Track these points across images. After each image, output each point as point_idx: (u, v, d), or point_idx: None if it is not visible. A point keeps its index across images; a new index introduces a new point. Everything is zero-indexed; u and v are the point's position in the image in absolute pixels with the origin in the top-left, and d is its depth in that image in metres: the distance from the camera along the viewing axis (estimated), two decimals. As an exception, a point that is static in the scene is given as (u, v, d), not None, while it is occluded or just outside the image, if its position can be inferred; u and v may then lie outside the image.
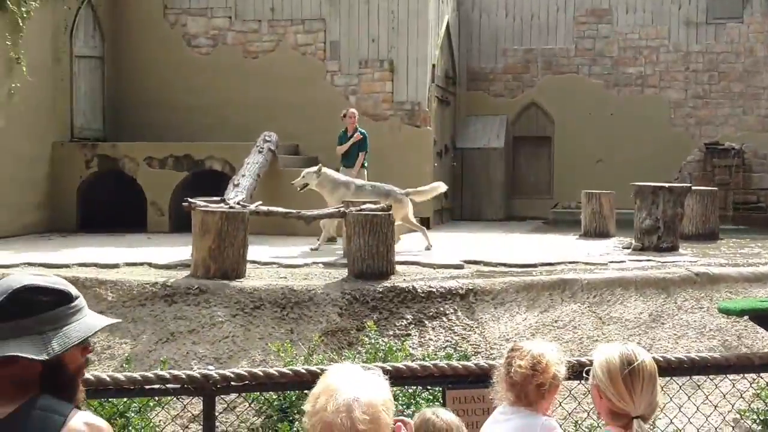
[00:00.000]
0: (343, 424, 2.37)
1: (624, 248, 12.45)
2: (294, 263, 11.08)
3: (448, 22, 16.94)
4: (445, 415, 3.42)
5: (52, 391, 2.32)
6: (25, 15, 13.77)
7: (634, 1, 17.78)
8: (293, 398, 7.24)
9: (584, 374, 3.13)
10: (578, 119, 17.70)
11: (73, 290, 2.38)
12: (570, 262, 11.07)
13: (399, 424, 2.91)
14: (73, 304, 2.36)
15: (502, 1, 18.13)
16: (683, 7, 17.66)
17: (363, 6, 15.75)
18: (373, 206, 10.95)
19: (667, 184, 12.75)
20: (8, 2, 13.46)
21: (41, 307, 2.32)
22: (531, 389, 3.43)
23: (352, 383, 2.48)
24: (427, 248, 12.25)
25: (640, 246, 12.09)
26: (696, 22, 17.63)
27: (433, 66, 16.02)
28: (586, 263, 11.03)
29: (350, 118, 13.50)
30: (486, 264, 11.09)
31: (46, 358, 2.27)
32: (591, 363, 3.14)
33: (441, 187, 13.03)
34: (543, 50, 17.97)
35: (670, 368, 4.91)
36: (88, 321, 2.41)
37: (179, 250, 11.45)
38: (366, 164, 13.72)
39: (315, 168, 12.50)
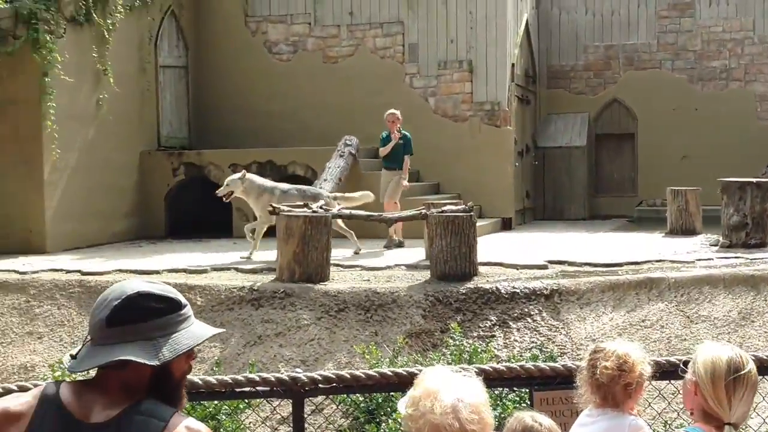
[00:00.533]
0: (451, 426, 2.40)
1: (711, 245, 12.17)
2: (377, 265, 11.11)
3: (527, 21, 16.81)
4: (545, 421, 3.36)
5: (158, 396, 2.36)
6: (110, 27, 14.07)
7: (717, -8, 17.42)
8: (380, 400, 7.27)
9: (681, 367, 3.07)
10: (662, 115, 17.38)
11: (182, 298, 2.42)
12: (656, 261, 10.87)
13: None
14: (182, 312, 2.39)
15: (582, -2, 17.94)
16: (769, -3, 17.23)
17: (441, 7, 15.72)
18: (454, 207, 10.93)
19: (754, 179, 12.43)
20: (95, 15, 13.77)
21: (153, 313, 2.36)
22: (618, 390, 3.39)
23: (452, 385, 2.50)
24: (356, 252, 11.99)
25: (727, 243, 11.81)
26: (783, 12, 17.19)
27: (513, 65, 15.90)
28: (673, 261, 10.80)
29: (390, 121, 13.09)
30: (570, 264, 10.96)
31: (158, 363, 2.30)
32: (681, 363, 3.08)
33: (369, 196, 12.49)
34: (624, 46, 17.69)
35: (762, 367, 4.80)
36: (195, 329, 2.44)
37: (265, 255, 11.58)
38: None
39: (238, 175, 12.10)
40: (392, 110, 13.13)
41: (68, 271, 11.12)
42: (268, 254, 11.27)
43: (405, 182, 13.06)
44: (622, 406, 3.41)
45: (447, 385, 2.51)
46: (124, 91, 14.47)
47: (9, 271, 11.22)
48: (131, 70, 14.84)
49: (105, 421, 2.31)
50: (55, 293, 10.34)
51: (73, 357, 2.36)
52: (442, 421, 2.41)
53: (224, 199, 12.24)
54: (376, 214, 11.73)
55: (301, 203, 11.23)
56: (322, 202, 11.63)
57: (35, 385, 4.38)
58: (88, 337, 2.36)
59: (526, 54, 16.99)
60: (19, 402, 2.37)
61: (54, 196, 13.29)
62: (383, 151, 13.16)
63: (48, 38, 12.88)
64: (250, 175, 12.16)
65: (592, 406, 3.47)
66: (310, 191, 12.19)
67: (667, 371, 4.29)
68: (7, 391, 4.50)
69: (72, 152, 13.49)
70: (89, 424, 2.31)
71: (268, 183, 12.28)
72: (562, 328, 9.19)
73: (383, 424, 7.13)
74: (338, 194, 12.38)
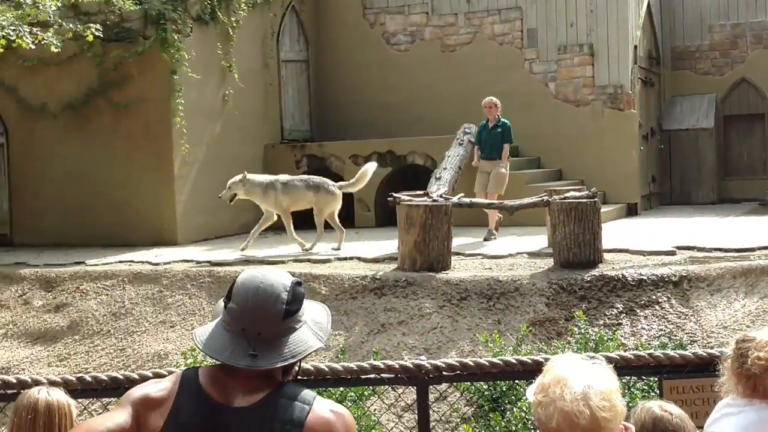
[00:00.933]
0: (582, 413, 2.38)
1: None
2: (498, 253, 11.06)
3: (649, 2, 16.40)
4: (674, 410, 3.27)
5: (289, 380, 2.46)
6: (234, 25, 14.36)
7: None
8: (504, 388, 7.24)
9: None
10: (794, 94, 16.73)
11: None
12: (791, 245, 10.49)
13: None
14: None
15: (706, -24, 17.40)
16: None
17: (560, -9, 15.51)
18: (577, 194, 10.77)
19: None
20: (219, 14, 14.08)
21: (303, 299, 2.48)
22: None
23: (582, 372, 2.49)
24: (335, 249, 11.75)
25: None
26: None
27: (635, 47, 15.54)
28: (809, 245, 10.40)
29: (487, 108, 12.76)
30: (699, 249, 10.68)
31: (323, 346, 2.46)
32: None
33: (369, 168, 12.21)
34: (752, 24, 17.05)
35: None
36: (313, 311, 2.53)
37: (386, 244, 11.66)
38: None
39: (239, 177, 11.85)
40: (489, 97, 12.84)
41: (198, 262, 11.46)
42: (390, 244, 11.31)
43: (503, 170, 12.66)
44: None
45: (577, 371, 2.49)
46: (249, 87, 14.75)
47: (143, 262, 11.65)
48: (255, 66, 15.11)
49: (249, 405, 2.38)
50: (186, 283, 10.67)
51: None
52: (572, 408, 2.39)
53: (229, 202, 12.12)
54: (497, 202, 11.66)
55: (306, 192, 11.70)
56: (438, 189, 11.64)
57: (170, 372, 4.53)
58: (241, 327, 2.38)
59: (648, 35, 16.59)
60: (159, 388, 2.44)
61: (184, 189, 13.67)
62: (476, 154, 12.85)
63: (176, 37, 13.23)
64: (250, 176, 11.95)
65: (734, 395, 3.34)
66: (313, 180, 12.16)
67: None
68: (143, 378, 4.67)
69: (200, 147, 13.84)
70: (233, 408, 2.38)
71: (267, 178, 12.12)
72: (691, 315, 8.97)
73: (508, 412, 7.10)
74: (342, 182, 12.30)
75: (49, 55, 12.00)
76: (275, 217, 11.99)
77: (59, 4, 11.00)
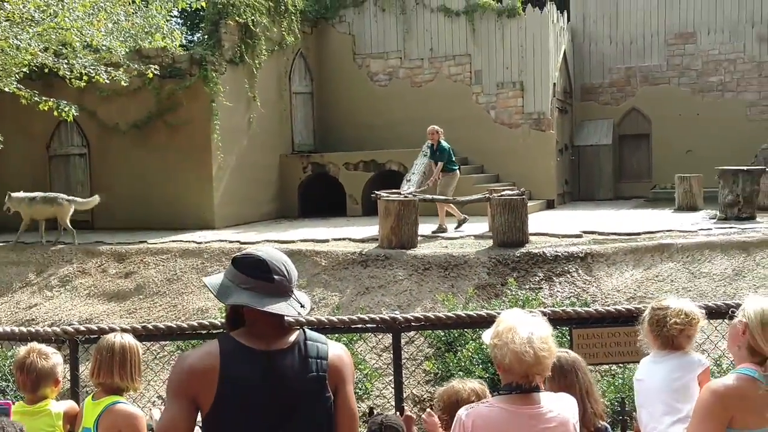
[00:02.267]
0: (528, 352, 2.46)
1: (710, 219, 11.76)
2: (452, 236, 11.10)
3: (564, 51, 16.46)
4: (572, 354, 3.32)
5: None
6: (258, 65, 14.32)
7: (714, 23, 16.66)
8: (456, 335, 7.30)
9: (730, 313, 2.94)
10: (671, 119, 16.79)
11: None
12: (667, 231, 10.57)
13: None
14: None
15: (606, 32, 17.38)
16: (756, 26, 16.43)
17: (499, 43, 15.51)
18: (510, 192, 10.82)
19: (744, 167, 11.95)
20: (246, 57, 14.03)
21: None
22: (682, 338, 3.29)
23: (526, 322, 2.55)
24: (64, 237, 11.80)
25: (723, 216, 11.40)
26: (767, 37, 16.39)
27: (554, 84, 15.60)
28: (680, 231, 10.49)
29: (430, 134, 11.95)
30: (600, 233, 10.74)
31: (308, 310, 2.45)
32: (733, 306, 2.98)
33: (96, 199, 12.13)
34: (641, 67, 17.13)
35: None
36: None
37: (369, 229, 11.69)
38: (454, 168, 11.94)
39: (6, 198, 11.81)
40: (432, 126, 12.11)
41: (230, 242, 11.44)
42: (372, 229, 11.33)
43: (431, 181, 11.87)
44: (684, 348, 3.32)
45: (522, 322, 2.55)
46: (268, 112, 14.72)
47: (189, 241, 11.62)
48: (272, 96, 15.07)
49: (286, 347, 2.37)
50: (221, 257, 10.65)
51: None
52: (520, 349, 2.46)
53: (9, 213, 11.92)
54: (451, 198, 11.70)
55: (46, 205, 11.68)
56: (408, 188, 11.64)
57: (210, 323, 4.55)
58: (286, 291, 2.38)
59: (564, 75, 16.64)
60: (202, 357, 2.33)
61: (219, 187, 13.63)
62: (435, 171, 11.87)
63: (214, 75, 13.17)
64: (13, 195, 11.84)
65: (656, 350, 3.36)
66: (50, 196, 11.97)
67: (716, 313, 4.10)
68: (190, 327, 4.67)
69: (231, 156, 13.80)
70: (273, 351, 2.36)
71: (29, 195, 11.94)
72: (593, 282, 9.05)
73: (458, 352, 7.16)
74: (73, 198, 12.11)
75: (120, 88, 11.95)
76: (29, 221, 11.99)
77: (127, 50, 10.91)
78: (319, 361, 2.37)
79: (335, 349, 2.45)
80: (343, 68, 16.47)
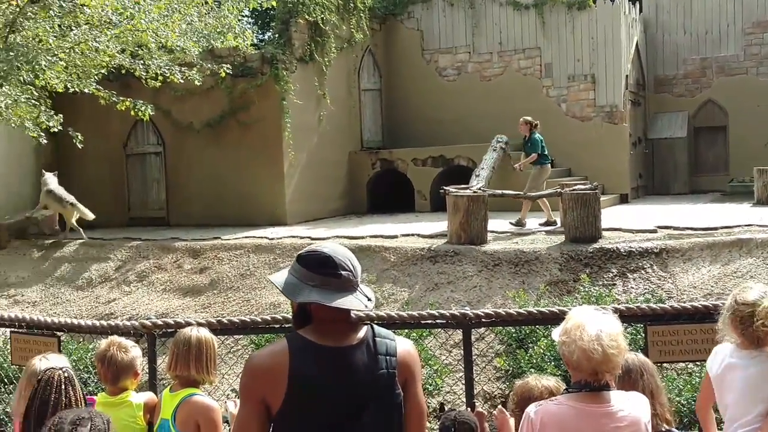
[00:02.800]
0: (596, 350, 2.43)
1: (793, 213, 11.26)
2: (523, 232, 10.96)
3: (637, 42, 16.02)
4: (641, 357, 3.20)
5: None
6: (327, 63, 14.41)
7: (797, 10, 15.95)
8: (527, 331, 7.20)
9: None
10: (748, 111, 16.12)
11: None
12: (746, 225, 10.15)
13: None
14: None
15: (680, 22, 16.81)
16: (843, 10, 15.63)
17: (569, 35, 15.22)
18: (582, 186, 10.60)
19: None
20: (316, 55, 14.14)
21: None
22: (766, 336, 3.10)
23: (595, 320, 2.52)
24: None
25: (807, 210, 10.89)
26: None
27: (627, 76, 15.20)
28: (760, 225, 10.06)
29: (521, 125, 11.83)
30: (675, 228, 10.42)
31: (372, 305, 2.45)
32: None
33: (89, 214, 12.53)
34: (716, 58, 16.50)
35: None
36: None
37: (438, 224, 11.63)
38: (545, 162, 11.74)
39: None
40: (522, 117, 11.96)
41: (302, 237, 11.56)
42: (441, 224, 11.26)
43: (530, 172, 11.75)
44: (765, 347, 3.13)
45: (591, 319, 2.52)
46: (337, 109, 14.81)
47: (262, 237, 11.81)
48: (342, 93, 15.15)
49: (354, 344, 2.36)
50: (293, 253, 10.76)
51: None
52: (588, 346, 2.43)
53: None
54: (521, 193, 11.54)
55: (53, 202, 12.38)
56: (477, 183, 11.53)
57: (283, 318, 4.60)
58: (353, 286, 2.38)
59: (636, 67, 16.20)
60: (271, 356, 2.34)
61: (291, 184, 13.79)
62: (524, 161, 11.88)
63: (284, 73, 13.33)
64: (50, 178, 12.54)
65: (736, 347, 3.18)
66: (59, 194, 12.48)
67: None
68: (263, 321, 4.74)
69: (302, 153, 13.95)
70: (342, 347, 2.34)
71: (52, 187, 12.47)
72: (669, 278, 8.79)
73: (529, 349, 7.06)
74: (75, 201, 12.48)
75: (193, 87, 12.20)
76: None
77: (200, 50, 11.15)
78: (388, 357, 2.35)
79: (404, 346, 2.43)
80: (411, 64, 16.43)
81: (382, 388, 2.34)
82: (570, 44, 15.23)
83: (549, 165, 12.02)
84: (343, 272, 2.36)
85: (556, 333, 2.62)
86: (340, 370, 2.31)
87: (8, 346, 5.33)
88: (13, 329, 4.88)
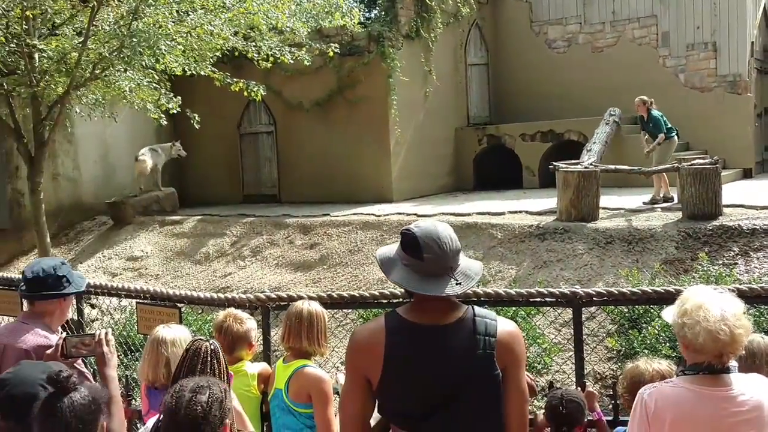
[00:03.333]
0: (723, 330, 2.34)
1: None
2: (637, 209, 10.58)
3: (765, 5, 14.99)
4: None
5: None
6: (433, 39, 14.33)
7: None
8: (641, 311, 6.98)
9: None
10: None
11: None
12: None
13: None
14: None
15: (816, -19, 15.64)
16: None
17: (689, 1, 14.43)
18: (701, 161, 10.10)
19: None
20: (422, 32, 14.09)
21: None
22: None
23: (716, 299, 2.42)
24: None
25: None
26: None
27: (752, 43, 14.27)
28: None
29: (637, 106, 11.32)
30: (805, 204, 9.77)
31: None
32: None
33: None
34: None
35: None
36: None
37: (547, 201, 11.42)
38: (671, 135, 11.27)
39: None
40: (638, 98, 11.42)
41: (408, 214, 11.63)
42: (550, 201, 11.04)
43: (647, 152, 11.27)
44: None
45: (712, 299, 2.42)
46: (443, 85, 14.73)
47: (369, 214, 11.96)
48: (448, 69, 15.05)
49: (453, 322, 2.34)
50: (399, 229, 10.81)
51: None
52: (715, 327, 2.34)
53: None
54: (636, 168, 11.13)
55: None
56: (589, 159, 11.21)
57: (391, 293, 4.65)
58: (442, 267, 2.33)
59: (764, 32, 15.17)
60: (369, 333, 2.38)
61: (397, 161, 13.88)
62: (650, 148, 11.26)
63: (391, 51, 13.37)
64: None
65: None
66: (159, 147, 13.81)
67: None
68: (372, 296, 4.82)
69: (408, 130, 13.99)
70: (440, 326, 2.33)
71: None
72: (797, 257, 8.26)
73: (643, 330, 6.85)
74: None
75: (303, 67, 12.40)
76: None
77: (309, 30, 11.34)
78: (487, 338, 2.31)
79: (505, 326, 2.37)
80: (519, 37, 16.09)
81: (480, 368, 2.29)
82: (689, 10, 14.45)
83: (676, 137, 11.47)
84: (426, 255, 2.31)
85: (669, 314, 2.53)
86: (434, 349, 2.29)
87: (134, 317, 5.66)
88: (138, 300, 5.18)
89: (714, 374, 2.39)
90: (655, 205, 10.70)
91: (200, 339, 2.77)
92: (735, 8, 14.04)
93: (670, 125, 11.39)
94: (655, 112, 11.35)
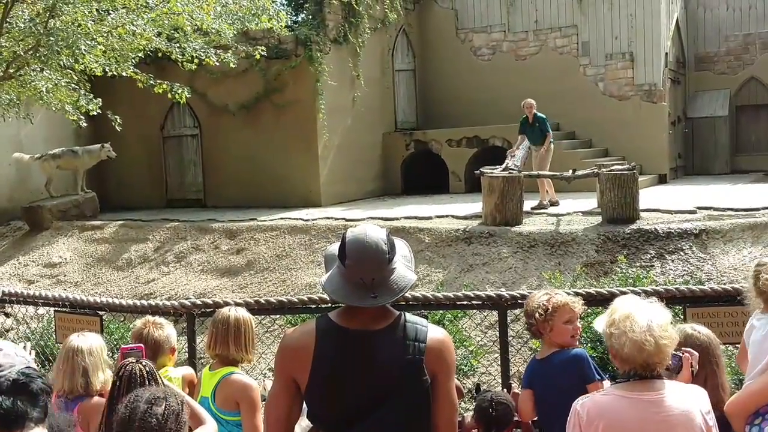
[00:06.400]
0: (648, 341, 2.36)
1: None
2: (559, 212, 10.86)
3: (677, 19, 15.68)
4: (703, 330, 3.16)
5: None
6: (361, 44, 14.38)
7: None
8: (563, 313, 7.14)
9: None
10: (795, 88, 15.75)
11: None
12: (790, 206, 9.93)
13: (686, 354, 2.82)
14: None
15: (723, -3, 16.48)
16: None
17: (607, 12, 14.95)
18: (620, 167, 10.45)
19: None
20: (350, 36, 14.12)
21: (395, 244, 2.40)
22: None
23: (643, 309, 2.44)
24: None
25: None
26: None
27: (666, 54, 14.90)
28: (805, 206, 9.82)
29: (527, 108, 11.74)
30: (715, 209, 10.23)
31: (416, 276, 2.39)
32: None
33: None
34: (760, 33, 16.08)
35: None
36: (401, 246, 2.49)
37: (473, 206, 11.57)
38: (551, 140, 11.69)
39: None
40: (527, 100, 11.89)
41: (336, 219, 11.60)
42: (476, 206, 11.23)
43: (543, 151, 11.63)
44: None
45: (639, 309, 2.44)
46: (371, 90, 14.79)
47: (297, 219, 11.87)
48: (375, 74, 15.12)
49: (382, 328, 2.32)
50: (328, 234, 10.84)
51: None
52: (640, 338, 2.36)
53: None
54: (558, 174, 11.43)
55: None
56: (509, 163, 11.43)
57: (319, 298, 4.63)
58: (359, 278, 2.27)
59: (677, 44, 15.87)
60: (299, 337, 2.36)
61: (325, 166, 13.84)
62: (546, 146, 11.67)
63: (318, 55, 13.33)
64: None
65: (759, 312, 3.18)
66: (61, 150, 13.35)
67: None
68: (300, 301, 4.78)
69: (336, 135, 13.97)
70: (370, 331, 2.31)
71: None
72: (708, 259, 8.65)
73: (566, 330, 7.01)
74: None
75: (228, 70, 12.26)
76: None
77: (235, 32, 11.20)
78: (416, 344, 2.29)
79: (435, 333, 2.35)
80: (445, 44, 16.32)
81: (408, 374, 2.28)
82: (608, 22, 14.97)
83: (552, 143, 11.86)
84: (348, 261, 2.28)
85: (600, 324, 2.56)
86: (363, 354, 2.28)
87: (52, 326, 5.46)
88: (57, 308, 5.00)
89: (644, 380, 2.42)
90: (542, 210, 11.03)
91: (130, 362, 2.52)
92: (650, 20, 14.64)
93: (550, 130, 11.77)
94: (540, 114, 11.71)
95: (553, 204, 11.43)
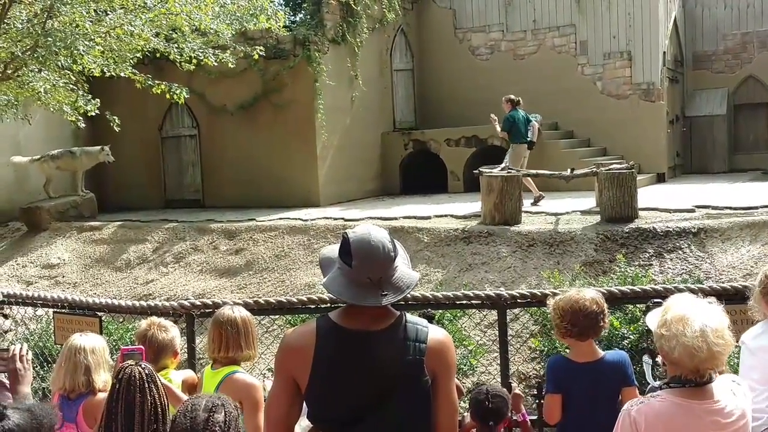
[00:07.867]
0: (701, 347, 2.24)
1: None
2: (558, 211, 10.86)
3: (675, 17, 15.69)
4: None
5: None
6: (359, 44, 14.37)
7: (843, -19, 15.45)
8: (562, 312, 7.14)
9: None
10: (792, 86, 15.77)
11: None
12: (788, 204, 9.93)
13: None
14: None
15: (721, -5, 16.50)
16: None
17: (605, 11, 14.96)
18: (618, 166, 10.46)
19: None
20: (348, 36, 14.12)
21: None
22: None
23: (699, 312, 2.30)
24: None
25: None
26: None
27: (664, 53, 14.91)
28: (803, 204, 9.83)
29: (504, 104, 11.92)
30: (714, 207, 10.23)
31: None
32: None
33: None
34: (758, 32, 16.09)
35: None
36: (397, 244, 2.48)
37: (472, 205, 11.58)
38: (521, 140, 11.75)
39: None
40: (504, 96, 12.04)
41: (335, 219, 11.60)
42: (475, 205, 11.24)
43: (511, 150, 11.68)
44: None
45: (694, 311, 2.30)
46: (369, 90, 14.78)
47: (296, 219, 11.87)
48: (374, 74, 15.12)
49: (383, 328, 2.32)
50: (327, 234, 10.85)
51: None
52: (692, 343, 2.24)
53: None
54: (556, 173, 11.44)
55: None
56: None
57: (319, 298, 4.63)
58: (367, 277, 2.26)
59: (675, 43, 15.88)
60: (299, 336, 2.36)
61: (324, 166, 13.83)
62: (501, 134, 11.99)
63: (317, 55, 13.33)
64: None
65: (766, 320, 3.12)
66: (60, 151, 13.38)
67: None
68: (300, 301, 4.79)
69: (335, 135, 13.97)
70: (370, 332, 2.31)
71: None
72: (707, 258, 8.66)
73: (565, 330, 7.02)
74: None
75: (227, 70, 12.24)
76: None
77: (233, 33, 11.19)
78: (417, 344, 2.29)
79: (436, 334, 2.36)
80: (443, 43, 16.32)
81: (409, 373, 2.28)
82: (606, 21, 14.98)
83: (524, 145, 11.79)
84: (355, 262, 2.28)
85: (653, 321, 2.43)
86: (363, 354, 2.28)
87: (51, 327, 5.45)
88: (55, 309, 5.00)
89: (698, 387, 2.31)
90: (541, 206, 11.15)
91: (129, 364, 2.40)
92: (648, 19, 14.64)
93: (522, 131, 11.73)
94: (514, 113, 11.74)
95: (540, 198, 11.51)
